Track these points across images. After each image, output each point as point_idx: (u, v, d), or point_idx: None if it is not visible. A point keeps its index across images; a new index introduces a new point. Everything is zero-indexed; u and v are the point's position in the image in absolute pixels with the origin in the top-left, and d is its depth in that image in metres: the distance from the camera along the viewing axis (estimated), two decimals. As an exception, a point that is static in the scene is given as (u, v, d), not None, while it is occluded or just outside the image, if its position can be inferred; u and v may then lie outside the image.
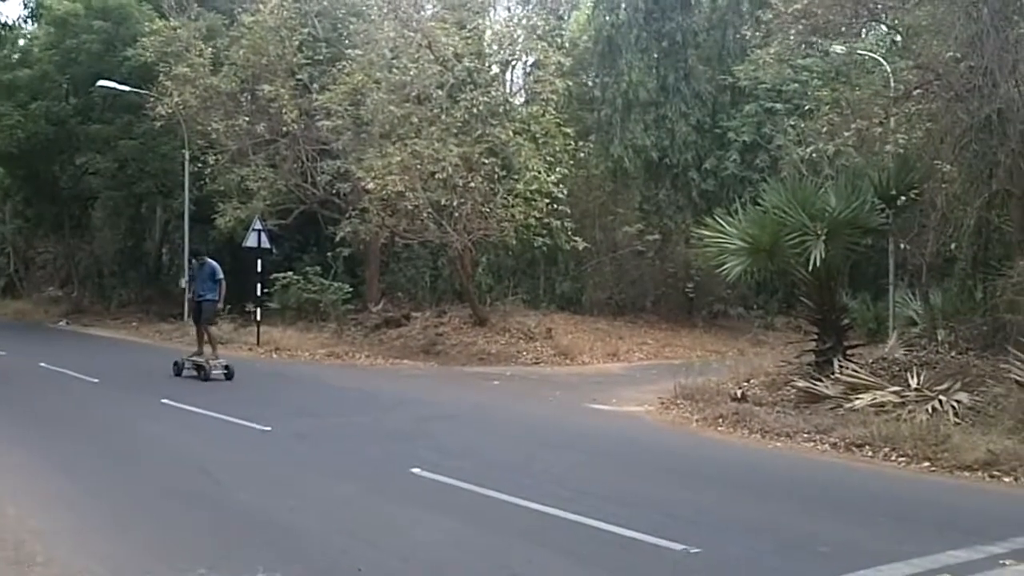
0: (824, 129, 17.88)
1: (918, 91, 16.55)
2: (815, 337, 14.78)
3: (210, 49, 25.65)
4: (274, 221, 24.90)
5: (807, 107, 22.11)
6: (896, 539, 7.00)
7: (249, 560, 6.29)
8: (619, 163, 27.25)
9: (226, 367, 16.35)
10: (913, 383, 12.49)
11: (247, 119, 24.71)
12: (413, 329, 23.61)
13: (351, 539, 7.02)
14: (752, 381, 15.08)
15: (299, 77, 24.81)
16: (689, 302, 27.88)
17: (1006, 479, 9.36)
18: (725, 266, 14.55)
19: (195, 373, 16.46)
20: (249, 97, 25.11)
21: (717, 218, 15.05)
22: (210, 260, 17.17)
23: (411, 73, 21.20)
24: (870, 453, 10.68)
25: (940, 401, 11.70)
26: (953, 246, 15.92)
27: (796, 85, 25.67)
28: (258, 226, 23.36)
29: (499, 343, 21.92)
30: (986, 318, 14.52)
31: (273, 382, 17.51)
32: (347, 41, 24.23)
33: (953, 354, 13.95)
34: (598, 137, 27.50)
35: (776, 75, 25.57)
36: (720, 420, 12.80)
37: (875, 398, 12.17)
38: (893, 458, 10.40)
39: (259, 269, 23.20)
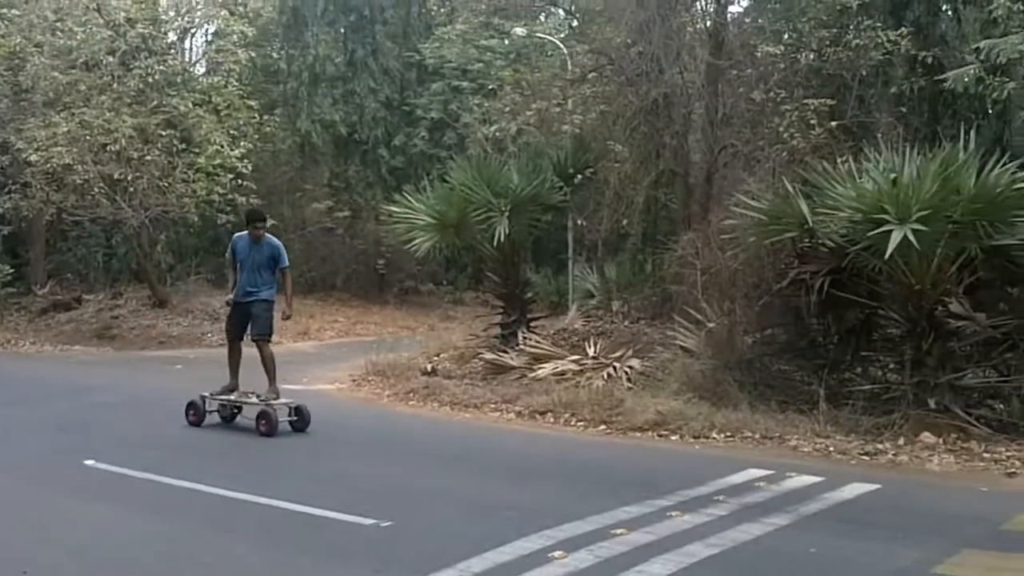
0: (507, 109, 18.41)
1: (593, 74, 17.41)
2: (501, 311, 15.23)
3: None
4: (-83, 197, 22.29)
5: (491, 87, 22.70)
6: (575, 499, 7.31)
7: None
8: (307, 138, 26.74)
9: (296, 409, 10.43)
10: (591, 352, 13.19)
11: None
12: (85, 312, 22.10)
13: (16, 537, 6.39)
14: (442, 355, 15.32)
15: (-55, 38, 22.33)
16: (380, 279, 27.88)
17: (672, 437, 10.07)
18: (414, 242, 14.65)
19: (228, 418, 10.90)
20: None
21: (406, 195, 15.12)
22: (271, 236, 10.90)
23: (78, 37, 19.82)
24: (552, 419, 11.15)
25: (615, 368, 12.43)
26: (625, 222, 16.93)
27: (481, 65, 26.29)
28: None
29: (182, 325, 21.01)
30: (655, 289, 15.56)
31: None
32: (2, 0, 22.09)
33: (626, 323, 14.87)
34: (285, 111, 26.84)
35: (461, 54, 26.23)
36: (411, 394, 12.90)
37: (556, 367, 12.74)
38: (573, 423, 10.92)
39: None
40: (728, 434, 9.95)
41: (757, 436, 9.83)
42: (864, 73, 14.31)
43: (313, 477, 8.33)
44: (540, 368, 12.83)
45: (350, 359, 15.93)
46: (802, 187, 11.03)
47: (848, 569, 5.78)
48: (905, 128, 13.43)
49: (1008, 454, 8.86)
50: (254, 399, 10.61)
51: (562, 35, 23.89)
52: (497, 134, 18.64)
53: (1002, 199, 9.58)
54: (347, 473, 8.54)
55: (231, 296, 10.80)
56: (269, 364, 10.66)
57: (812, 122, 13.18)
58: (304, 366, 16.30)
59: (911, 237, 9.04)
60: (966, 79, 11.45)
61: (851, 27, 14.22)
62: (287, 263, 10.76)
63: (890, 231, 9.18)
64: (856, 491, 7.71)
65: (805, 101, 13.46)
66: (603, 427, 10.65)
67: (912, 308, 10.01)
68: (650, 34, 14.73)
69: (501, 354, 13.83)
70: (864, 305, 10.63)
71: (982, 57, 11.19)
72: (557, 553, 5.78)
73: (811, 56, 14.10)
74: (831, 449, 9.32)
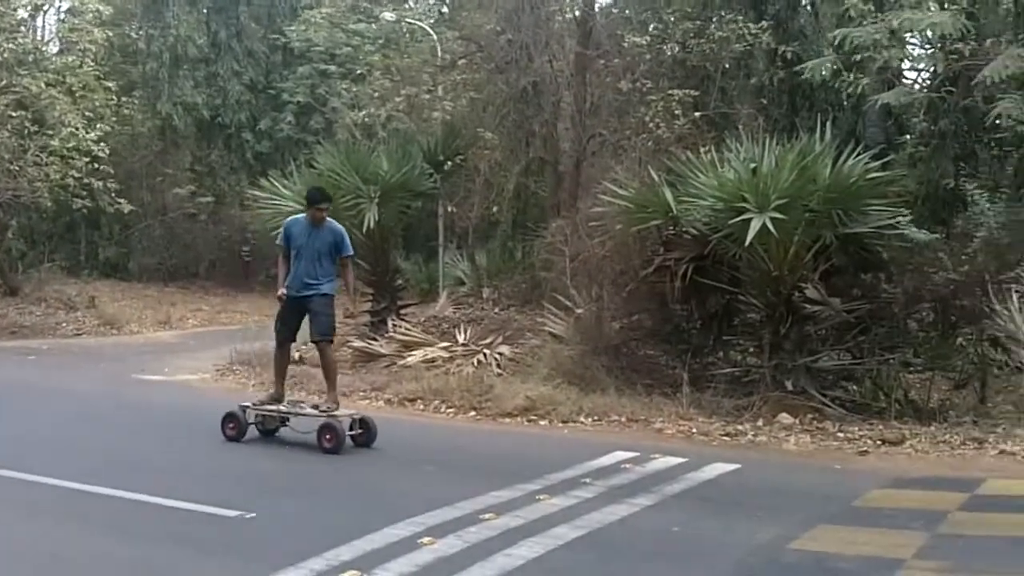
0: (376, 94, 18.25)
1: (463, 61, 17.41)
2: (371, 298, 15.09)
3: None
4: None
5: (359, 72, 22.45)
6: (445, 485, 7.28)
7: None
8: (168, 121, 26.12)
9: (362, 420, 8.96)
10: (461, 339, 13.21)
11: None
12: (-73, 303, 20.95)
13: None
14: (310, 344, 15.06)
15: None
16: (245, 266, 27.34)
17: (542, 423, 10.18)
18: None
19: (272, 431, 9.31)
20: None
21: (272, 180, 14.84)
22: (332, 220, 9.39)
23: (-79, 13, 18.73)
24: (422, 407, 11.13)
25: (485, 354, 12.48)
26: (496, 209, 17.04)
27: (349, 49, 26.02)
28: None
29: (34, 314, 20.17)
30: (525, 276, 15.70)
31: None
32: None
33: (497, 310, 14.95)
34: (144, 93, 26.05)
35: (329, 38, 25.90)
36: (278, 383, 12.64)
37: (426, 354, 12.72)
38: (443, 410, 10.91)
39: None
40: (596, 418, 10.10)
41: (623, 419, 10.01)
42: (727, 65, 14.73)
43: (173, 470, 8.05)
44: (410, 355, 12.78)
45: (214, 348, 15.55)
46: (667, 176, 11.26)
47: (710, 546, 5.92)
48: (765, 119, 13.88)
49: (860, 433, 9.24)
50: (310, 410, 9.15)
51: (431, 21, 23.80)
52: (366, 119, 18.44)
53: (856, 189, 9.99)
54: (208, 465, 8.32)
55: (283, 290, 9.07)
56: (331, 369, 9.28)
57: (677, 112, 13.47)
58: (164, 356, 15.86)
59: (770, 225, 9.33)
60: (824, 71, 11.87)
61: (714, 19, 14.62)
62: (351, 251, 9.36)
63: (750, 219, 9.46)
64: (717, 471, 7.93)
65: (670, 92, 13.75)
66: (473, 413, 10.66)
67: (770, 294, 10.34)
68: (519, 22, 14.83)
69: (370, 342, 13.71)
70: (725, 291, 10.93)
71: (837, 48, 11.63)
72: (426, 539, 5.75)
73: (676, 47, 14.39)
74: (694, 431, 9.56)
